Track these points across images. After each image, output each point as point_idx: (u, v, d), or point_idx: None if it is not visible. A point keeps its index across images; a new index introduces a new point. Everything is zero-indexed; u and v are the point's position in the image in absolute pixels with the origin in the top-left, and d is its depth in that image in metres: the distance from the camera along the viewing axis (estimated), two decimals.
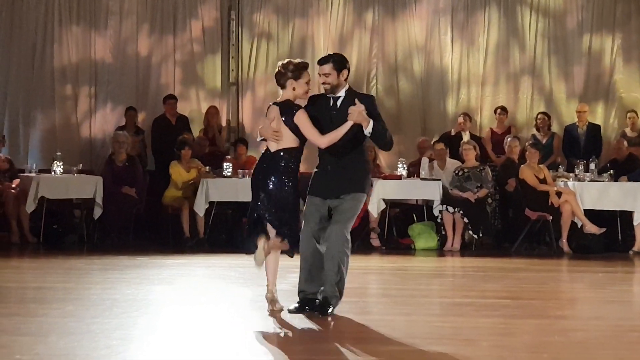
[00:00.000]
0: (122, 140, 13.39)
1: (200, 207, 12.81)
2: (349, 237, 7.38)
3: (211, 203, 12.95)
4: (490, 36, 15.59)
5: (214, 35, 15.62)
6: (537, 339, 6.61)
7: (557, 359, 5.97)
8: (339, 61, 7.47)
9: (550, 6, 15.58)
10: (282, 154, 7.41)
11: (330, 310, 7.31)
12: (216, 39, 15.62)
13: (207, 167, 13.30)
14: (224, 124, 15.35)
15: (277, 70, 7.53)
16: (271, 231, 7.42)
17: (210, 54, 15.57)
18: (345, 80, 7.49)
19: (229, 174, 13.12)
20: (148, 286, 9.02)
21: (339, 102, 7.45)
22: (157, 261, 11.09)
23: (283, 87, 7.50)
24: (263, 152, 7.57)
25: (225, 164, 13.19)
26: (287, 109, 7.37)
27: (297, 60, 7.54)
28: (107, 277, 9.68)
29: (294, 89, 7.44)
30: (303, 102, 7.53)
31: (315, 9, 15.63)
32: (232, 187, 12.96)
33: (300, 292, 7.51)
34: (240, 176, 13.04)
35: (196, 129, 14.82)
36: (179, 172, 13.21)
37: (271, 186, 7.40)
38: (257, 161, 7.67)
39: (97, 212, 12.87)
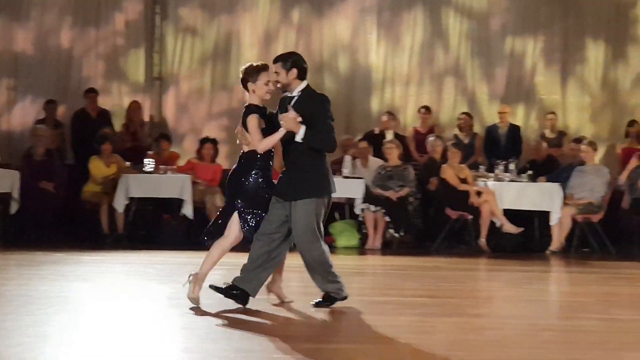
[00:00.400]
0: (41, 134, 13.20)
1: (120, 203, 12.70)
2: (313, 239, 7.46)
3: (131, 199, 12.82)
4: (415, 36, 15.70)
5: (138, 29, 15.50)
6: (454, 337, 6.64)
7: (473, 357, 6.00)
8: (285, 60, 7.44)
9: (475, 8, 15.73)
10: (250, 154, 7.44)
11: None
12: (140, 33, 15.50)
13: (128, 163, 13.18)
14: (146, 119, 15.22)
15: (241, 75, 7.55)
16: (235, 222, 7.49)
17: (134, 48, 15.44)
18: (299, 78, 7.42)
19: (150, 169, 13.01)
20: (64, 283, 8.89)
21: (293, 102, 7.44)
22: (75, 257, 10.95)
23: (247, 90, 7.50)
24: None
25: (146, 160, 13.07)
26: (244, 113, 7.45)
27: (257, 63, 7.53)
28: (23, 273, 9.55)
29: (254, 91, 7.46)
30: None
31: (242, 5, 15.58)
32: (153, 183, 12.87)
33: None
34: (162, 172, 12.95)
35: (118, 124, 14.67)
36: (98, 167, 13.07)
37: (246, 184, 7.46)
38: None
39: (14, 207, 12.69)
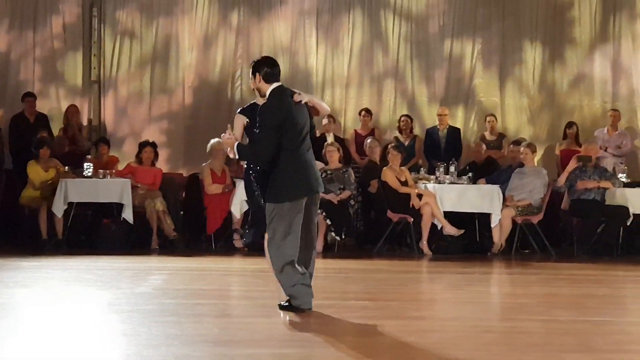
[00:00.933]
0: None
1: (59, 208, 12.54)
2: (268, 244, 7.52)
3: (70, 204, 12.69)
4: (354, 39, 15.74)
5: (75, 32, 15.33)
6: (396, 340, 6.65)
7: None
8: (253, 65, 7.52)
9: (413, 11, 15.81)
10: None
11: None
12: (77, 36, 15.34)
13: (67, 167, 13.03)
14: (85, 122, 15.07)
15: None
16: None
17: (72, 51, 15.28)
18: (266, 82, 7.41)
19: (89, 174, 12.88)
20: (3, 289, 8.77)
21: (259, 110, 7.52)
22: (13, 263, 10.82)
23: None
24: None
25: (85, 164, 12.95)
26: None
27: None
28: None
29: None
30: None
31: (180, 8, 15.50)
32: (92, 188, 12.75)
33: None
34: (101, 176, 12.83)
35: (56, 128, 14.51)
36: (36, 172, 12.90)
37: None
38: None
39: None
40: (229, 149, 7.48)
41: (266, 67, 7.42)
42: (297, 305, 7.49)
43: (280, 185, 7.35)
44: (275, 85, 7.42)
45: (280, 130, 7.29)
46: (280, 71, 7.51)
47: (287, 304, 7.55)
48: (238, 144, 7.42)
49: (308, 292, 7.54)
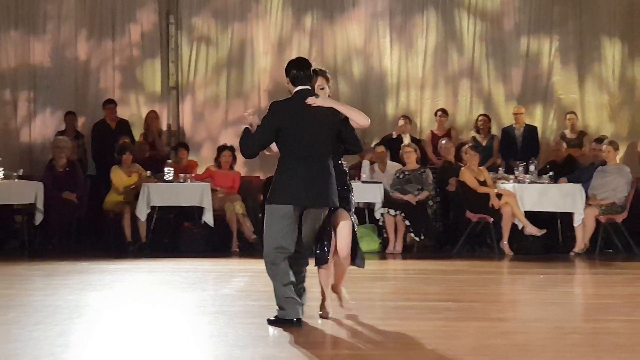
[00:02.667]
0: (62, 145, 13.28)
1: (142, 212, 12.74)
2: (267, 251, 7.21)
3: (153, 207, 12.88)
4: (428, 39, 15.69)
5: (153, 40, 15.53)
6: (479, 341, 6.67)
7: None
8: (285, 66, 7.44)
9: (488, 9, 15.72)
10: None
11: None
12: (155, 43, 15.54)
13: (148, 172, 13.24)
14: (164, 128, 15.28)
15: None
16: None
17: (150, 58, 15.48)
18: (292, 85, 7.33)
19: (170, 178, 13.06)
20: (90, 292, 8.95)
21: None
22: (99, 267, 11.02)
23: None
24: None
25: (166, 169, 13.13)
26: None
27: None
28: (49, 283, 9.60)
29: None
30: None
31: (254, 13, 15.61)
32: (173, 192, 12.93)
33: None
34: (181, 180, 13.01)
35: (136, 134, 14.73)
36: (119, 177, 13.14)
37: None
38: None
39: (39, 217, 12.74)
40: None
41: (294, 69, 7.29)
42: (282, 316, 7.17)
43: (272, 187, 7.28)
44: (299, 88, 7.27)
45: (275, 136, 7.21)
46: (309, 75, 7.32)
47: (274, 318, 7.22)
48: (246, 127, 7.36)
49: (296, 303, 7.19)
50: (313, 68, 7.42)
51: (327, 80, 7.61)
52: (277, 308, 7.18)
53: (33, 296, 8.70)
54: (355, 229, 7.53)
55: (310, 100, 7.17)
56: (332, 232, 7.41)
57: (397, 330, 7.00)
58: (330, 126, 7.25)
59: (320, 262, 7.48)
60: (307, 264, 7.44)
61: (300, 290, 7.32)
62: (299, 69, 7.29)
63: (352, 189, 7.62)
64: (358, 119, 7.34)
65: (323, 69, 7.70)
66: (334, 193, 7.25)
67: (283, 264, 7.11)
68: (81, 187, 13.29)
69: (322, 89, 7.45)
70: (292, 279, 7.17)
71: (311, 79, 7.34)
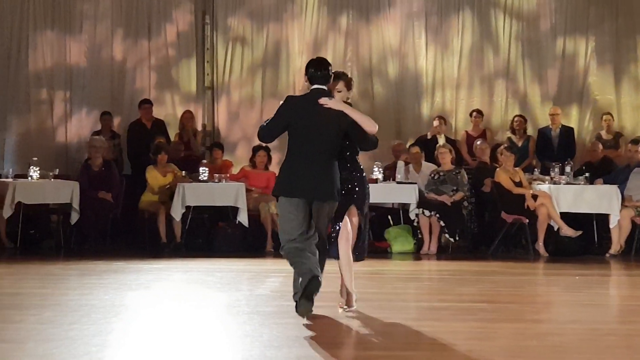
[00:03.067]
0: (98, 145, 13.37)
1: (177, 212, 12.79)
2: (282, 241, 7.63)
3: (187, 207, 12.92)
4: (464, 39, 15.67)
5: (189, 40, 15.61)
6: (514, 343, 6.64)
7: None
8: (306, 64, 7.76)
9: (524, 9, 15.68)
10: None
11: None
12: (191, 43, 15.61)
13: (183, 172, 13.29)
14: (199, 128, 15.34)
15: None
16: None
17: (185, 58, 15.56)
18: (310, 83, 7.61)
19: (205, 178, 13.10)
20: (126, 291, 8.99)
21: None
22: (134, 266, 11.06)
23: None
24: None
25: (201, 169, 13.17)
26: None
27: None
28: (85, 282, 9.64)
29: None
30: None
31: (290, 13, 15.65)
32: (208, 192, 12.96)
33: None
34: (216, 180, 13.05)
35: (171, 134, 14.80)
36: (155, 177, 13.20)
37: None
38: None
39: (74, 217, 12.82)
40: None
41: (312, 68, 7.55)
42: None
43: (275, 180, 7.71)
44: (315, 87, 7.53)
45: (285, 128, 7.52)
46: (326, 75, 7.55)
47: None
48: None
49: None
50: (336, 71, 7.72)
51: (349, 85, 7.81)
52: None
53: (68, 295, 8.75)
54: (363, 226, 7.81)
55: (323, 101, 7.43)
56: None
57: (431, 331, 6.99)
58: (338, 127, 7.49)
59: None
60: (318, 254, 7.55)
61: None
62: (316, 69, 7.54)
63: (367, 186, 7.89)
64: (366, 125, 7.54)
65: (347, 74, 7.93)
66: (329, 188, 7.49)
67: (294, 251, 7.42)
68: (117, 187, 13.36)
69: (339, 92, 7.69)
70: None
71: (328, 80, 7.57)
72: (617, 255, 12.67)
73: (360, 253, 7.93)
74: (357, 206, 7.75)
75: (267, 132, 7.62)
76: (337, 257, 7.80)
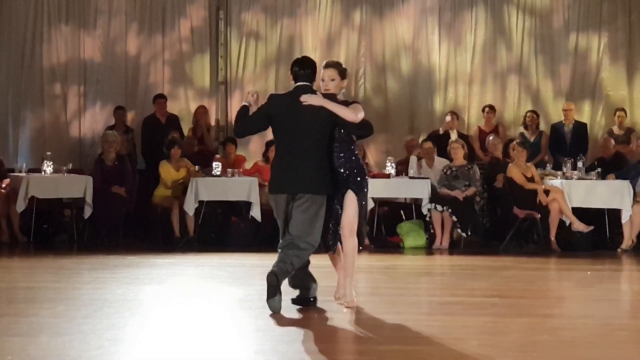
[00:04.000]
0: (112, 140, 13.40)
1: (190, 206, 12.82)
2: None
3: (201, 202, 12.95)
4: (477, 35, 15.65)
5: (203, 35, 15.62)
6: (526, 337, 6.65)
7: (546, 358, 6.01)
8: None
9: (537, 5, 15.65)
10: None
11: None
12: (205, 39, 15.63)
13: (197, 167, 13.32)
14: (212, 123, 15.37)
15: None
16: None
17: (199, 54, 15.58)
18: (294, 80, 7.81)
19: (218, 173, 13.12)
20: (139, 286, 9.03)
21: None
22: (148, 260, 11.10)
23: None
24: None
25: (214, 163, 13.20)
26: None
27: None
28: (98, 276, 9.68)
29: None
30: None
31: (304, 9, 15.65)
32: (221, 186, 12.99)
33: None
34: (229, 175, 13.08)
35: (185, 128, 14.83)
36: (168, 172, 13.24)
37: None
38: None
39: (87, 211, 12.86)
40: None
41: (296, 67, 7.75)
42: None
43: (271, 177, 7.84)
44: (299, 84, 7.71)
45: (263, 125, 7.77)
46: (310, 73, 7.73)
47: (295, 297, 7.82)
48: (244, 105, 7.84)
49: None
50: (329, 60, 7.98)
51: (342, 74, 7.87)
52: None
53: (81, 290, 8.79)
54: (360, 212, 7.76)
55: (303, 98, 7.57)
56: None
57: (443, 326, 7.01)
58: (322, 122, 7.61)
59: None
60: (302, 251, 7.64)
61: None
62: (300, 67, 7.74)
63: (365, 173, 7.85)
64: (345, 116, 7.61)
65: (340, 62, 8.03)
66: (318, 182, 7.58)
67: (286, 249, 7.57)
68: (130, 182, 13.40)
69: (332, 80, 7.80)
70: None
71: (312, 77, 7.74)
72: (629, 250, 12.65)
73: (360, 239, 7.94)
74: (355, 192, 7.72)
75: (243, 126, 7.82)
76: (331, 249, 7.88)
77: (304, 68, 7.73)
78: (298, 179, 7.57)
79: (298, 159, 7.59)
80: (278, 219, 7.75)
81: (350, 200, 7.69)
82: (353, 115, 7.58)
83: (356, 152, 7.86)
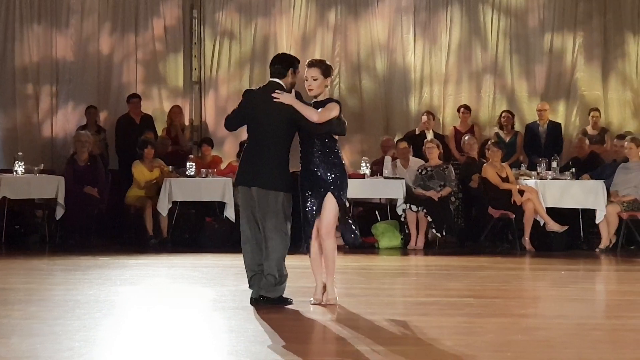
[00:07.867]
0: (84, 140, 13.29)
1: (164, 207, 12.76)
2: None
3: (174, 203, 12.89)
4: (452, 35, 15.66)
5: (176, 34, 15.54)
6: (501, 338, 6.64)
7: (521, 358, 5.99)
8: None
9: (512, 5, 15.68)
10: None
11: None
12: (178, 38, 15.55)
13: (170, 167, 13.25)
14: (187, 123, 15.29)
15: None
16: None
17: (173, 53, 15.50)
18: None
19: (192, 173, 13.06)
20: (111, 287, 8.96)
21: None
22: (120, 261, 11.03)
23: None
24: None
25: (188, 164, 13.14)
26: None
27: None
28: (70, 277, 9.62)
29: None
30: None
31: (278, 8, 15.60)
32: (195, 187, 12.95)
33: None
34: (203, 175, 13.02)
35: (159, 128, 14.75)
36: (141, 172, 13.16)
37: None
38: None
39: (59, 212, 12.75)
40: None
41: (271, 63, 7.98)
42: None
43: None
44: (269, 80, 7.92)
45: (245, 119, 7.92)
46: (280, 69, 7.87)
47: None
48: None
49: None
50: (312, 59, 8.07)
51: (326, 73, 7.92)
52: None
53: (53, 291, 8.73)
54: (341, 213, 7.88)
55: (275, 95, 7.72)
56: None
57: (418, 326, 6.98)
58: (287, 119, 7.73)
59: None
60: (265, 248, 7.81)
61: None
62: (271, 64, 7.98)
63: (344, 174, 7.89)
64: (309, 116, 7.68)
65: (324, 60, 8.10)
66: (269, 177, 7.72)
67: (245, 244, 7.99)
68: (102, 182, 13.29)
69: (315, 79, 7.86)
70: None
71: (282, 73, 7.84)
72: (605, 250, 12.67)
73: (354, 235, 8.23)
74: (334, 194, 7.78)
75: (228, 121, 8.09)
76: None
77: (273, 64, 7.92)
78: (255, 172, 7.76)
79: (260, 153, 7.77)
80: (241, 209, 8.01)
81: (330, 203, 7.76)
82: (316, 116, 7.67)
83: (340, 154, 7.91)
